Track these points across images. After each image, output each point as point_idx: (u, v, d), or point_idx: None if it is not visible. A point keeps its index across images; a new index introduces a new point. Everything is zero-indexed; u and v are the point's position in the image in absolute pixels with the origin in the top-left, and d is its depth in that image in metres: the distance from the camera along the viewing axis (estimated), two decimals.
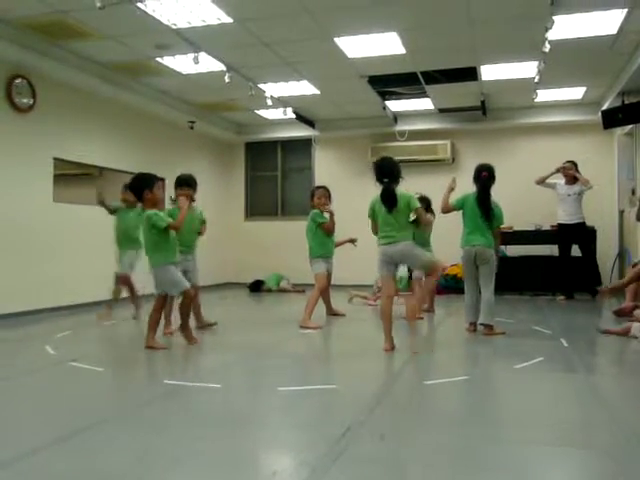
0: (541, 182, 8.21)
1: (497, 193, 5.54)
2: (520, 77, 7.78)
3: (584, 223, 8.10)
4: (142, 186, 4.75)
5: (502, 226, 5.66)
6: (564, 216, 8.10)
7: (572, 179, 8.02)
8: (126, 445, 2.62)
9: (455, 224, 5.86)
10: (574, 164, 8.06)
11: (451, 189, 5.56)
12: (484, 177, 5.45)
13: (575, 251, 8.18)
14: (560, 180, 8.17)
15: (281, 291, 9.89)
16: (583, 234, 8.12)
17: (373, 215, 4.78)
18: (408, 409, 3.28)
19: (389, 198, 4.60)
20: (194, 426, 2.89)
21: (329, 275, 6.44)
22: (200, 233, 5.80)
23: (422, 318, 6.25)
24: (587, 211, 8.29)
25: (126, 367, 4.27)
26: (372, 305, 7.47)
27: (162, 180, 5.05)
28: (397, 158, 10.19)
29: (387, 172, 4.63)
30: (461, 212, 5.59)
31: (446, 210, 5.60)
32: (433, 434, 2.75)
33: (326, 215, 6.23)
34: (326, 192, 6.31)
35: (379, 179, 4.65)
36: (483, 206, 5.41)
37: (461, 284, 8.75)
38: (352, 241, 6.77)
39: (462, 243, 5.53)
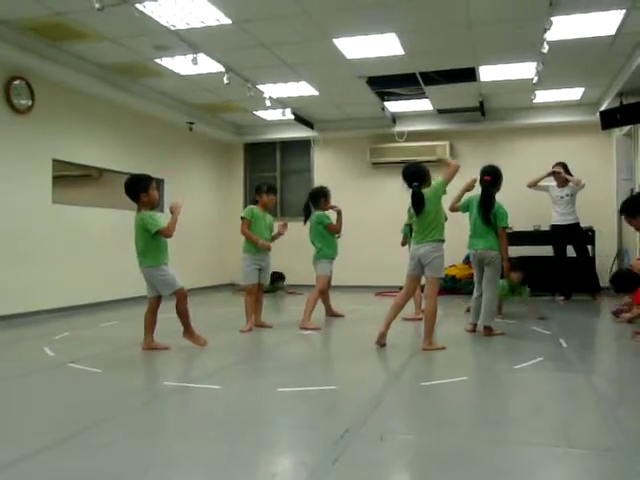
0: (533, 185, 8.23)
1: (497, 194, 5.55)
2: (519, 78, 7.79)
3: (578, 224, 8.11)
4: (138, 189, 4.74)
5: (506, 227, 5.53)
6: (558, 217, 8.13)
7: (563, 181, 8.03)
8: (125, 447, 2.61)
9: (457, 225, 5.89)
10: (564, 166, 8.05)
11: (466, 189, 5.60)
12: (485, 182, 5.45)
13: (570, 252, 8.19)
14: (552, 182, 8.19)
15: (279, 289, 9.86)
16: (577, 235, 8.13)
17: (411, 219, 5.13)
18: (407, 410, 3.28)
19: (417, 201, 4.79)
20: (193, 427, 2.89)
21: (330, 277, 6.47)
22: (274, 237, 6.15)
23: (421, 319, 6.22)
24: (586, 211, 8.30)
25: (125, 368, 4.26)
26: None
27: (156, 180, 5.04)
28: (396, 159, 10.32)
29: (415, 176, 4.84)
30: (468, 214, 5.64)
31: (453, 209, 5.65)
32: (432, 435, 2.75)
33: (332, 214, 6.28)
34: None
35: (409, 184, 4.85)
36: (482, 211, 5.43)
37: (459, 285, 8.84)
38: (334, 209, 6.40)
39: (468, 246, 5.58)
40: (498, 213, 5.44)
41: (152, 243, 4.71)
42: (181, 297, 4.80)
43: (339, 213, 6.30)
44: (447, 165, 5.08)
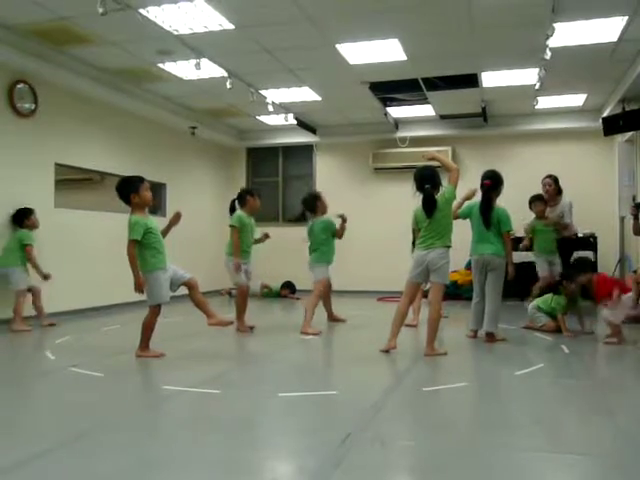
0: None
1: (499, 199, 5.55)
2: (521, 84, 7.80)
3: (576, 234, 8.02)
4: (128, 191, 4.63)
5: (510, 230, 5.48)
6: None
7: (553, 197, 7.59)
8: (126, 450, 2.61)
9: (460, 232, 5.88)
10: (555, 179, 7.73)
11: (467, 198, 5.64)
12: (486, 186, 5.46)
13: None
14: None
15: (282, 296, 9.88)
16: (573, 244, 8.01)
17: (417, 225, 5.02)
18: (409, 416, 3.27)
19: (429, 203, 4.76)
20: (193, 431, 2.89)
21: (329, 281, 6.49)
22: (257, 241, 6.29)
23: (416, 325, 6.19)
24: (588, 218, 8.28)
25: (126, 373, 4.26)
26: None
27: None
28: (398, 164, 10.31)
29: (428, 178, 4.80)
30: (469, 221, 5.64)
31: (454, 217, 5.63)
32: (433, 441, 2.75)
33: (337, 220, 6.31)
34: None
35: (420, 186, 4.81)
36: (483, 215, 5.43)
37: (461, 290, 8.82)
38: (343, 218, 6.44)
39: (471, 251, 5.56)
40: (502, 217, 5.44)
41: (141, 247, 4.58)
42: (154, 314, 4.69)
43: (343, 219, 6.34)
44: (433, 158, 5.05)
